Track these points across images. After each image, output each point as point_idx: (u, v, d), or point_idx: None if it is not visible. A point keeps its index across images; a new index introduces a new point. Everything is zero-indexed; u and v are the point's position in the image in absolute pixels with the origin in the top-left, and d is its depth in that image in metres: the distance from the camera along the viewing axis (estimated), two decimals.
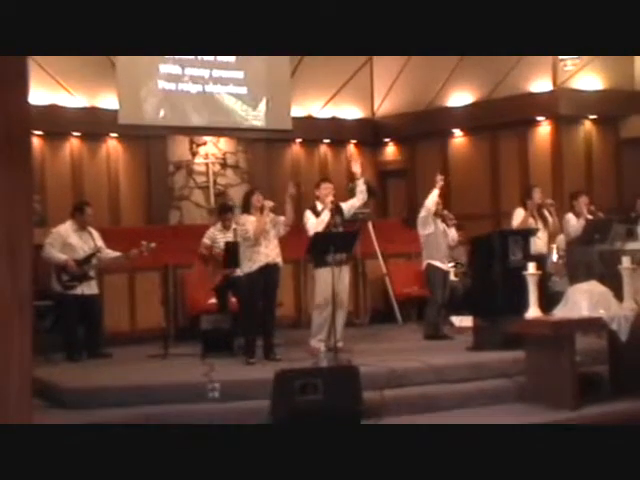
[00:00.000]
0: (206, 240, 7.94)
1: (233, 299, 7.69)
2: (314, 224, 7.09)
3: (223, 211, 8.16)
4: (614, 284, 6.39)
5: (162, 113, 11.17)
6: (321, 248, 6.91)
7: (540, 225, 8.14)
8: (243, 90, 11.81)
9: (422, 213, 7.76)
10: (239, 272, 7.33)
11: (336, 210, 7.23)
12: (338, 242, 7.02)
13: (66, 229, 7.57)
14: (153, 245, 7.44)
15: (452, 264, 8.70)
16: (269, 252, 6.88)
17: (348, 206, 7.38)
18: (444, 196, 7.96)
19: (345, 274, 7.13)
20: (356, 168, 7.42)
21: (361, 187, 7.35)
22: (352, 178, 7.61)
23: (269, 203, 6.93)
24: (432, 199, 7.67)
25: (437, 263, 7.77)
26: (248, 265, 6.87)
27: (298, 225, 7.27)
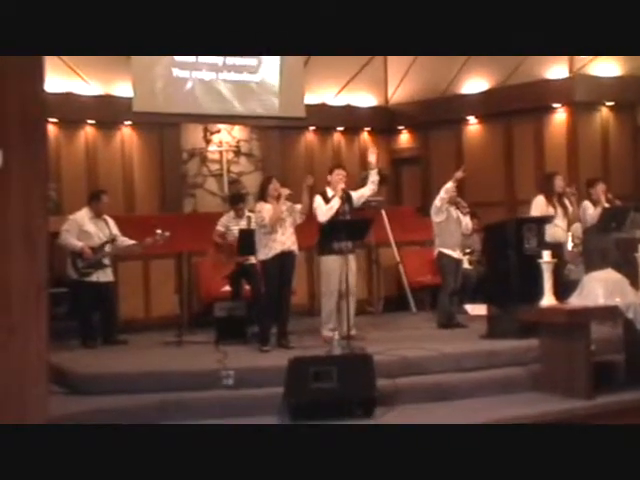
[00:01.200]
0: (220, 227, 7.95)
1: (247, 286, 7.71)
2: (324, 210, 7.08)
3: (235, 201, 8.17)
4: (630, 272, 6.35)
5: (189, 85, 11.12)
6: (333, 236, 6.91)
7: (560, 213, 8.07)
8: (257, 77, 11.80)
9: (437, 202, 7.73)
10: (253, 260, 7.35)
11: (346, 198, 7.21)
12: (351, 230, 7.01)
13: (82, 216, 7.61)
14: (168, 234, 7.46)
15: (468, 251, 8.67)
16: (285, 240, 6.89)
17: (358, 195, 7.35)
18: (459, 184, 7.93)
19: (352, 262, 7.10)
20: (372, 158, 7.38)
21: (373, 177, 7.32)
22: (366, 167, 7.58)
23: (286, 191, 6.93)
24: (448, 189, 7.64)
25: (449, 251, 7.74)
26: (264, 252, 6.89)
27: (314, 209, 7.27)
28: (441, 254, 7.78)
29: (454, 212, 7.81)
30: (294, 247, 6.97)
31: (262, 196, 7.01)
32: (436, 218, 7.78)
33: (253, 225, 7.37)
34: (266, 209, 6.87)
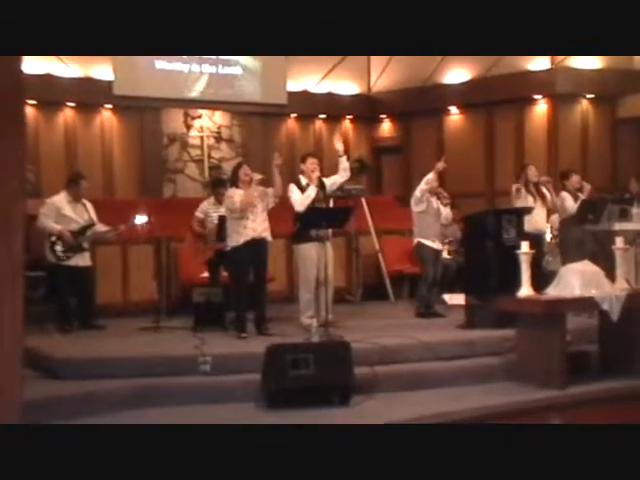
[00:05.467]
0: (199, 214, 7.92)
1: (225, 273, 7.69)
2: (300, 199, 7.04)
3: (216, 185, 8.13)
4: (606, 264, 6.42)
5: (170, 70, 11.10)
6: (314, 223, 6.90)
7: (538, 202, 8.16)
8: (239, 64, 11.72)
9: (417, 192, 7.74)
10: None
11: (319, 185, 7.20)
12: (332, 218, 7.00)
13: (60, 200, 7.54)
14: (146, 220, 7.42)
15: (447, 240, 8.72)
16: (256, 226, 6.86)
17: (330, 182, 7.31)
18: (440, 174, 7.95)
19: (329, 249, 7.08)
20: (338, 145, 7.35)
21: (344, 164, 7.30)
22: (349, 155, 7.55)
23: (257, 175, 6.90)
24: (429, 180, 7.65)
25: (428, 242, 7.76)
26: (235, 239, 6.85)
27: (289, 198, 7.24)
28: (420, 244, 7.80)
29: (434, 202, 7.83)
30: (266, 234, 6.93)
31: (234, 182, 6.98)
32: (416, 208, 7.79)
33: None
34: (237, 194, 6.85)
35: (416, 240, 7.84)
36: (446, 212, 7.96)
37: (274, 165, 6.91)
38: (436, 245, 7.85)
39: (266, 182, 6.98)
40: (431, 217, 7.78)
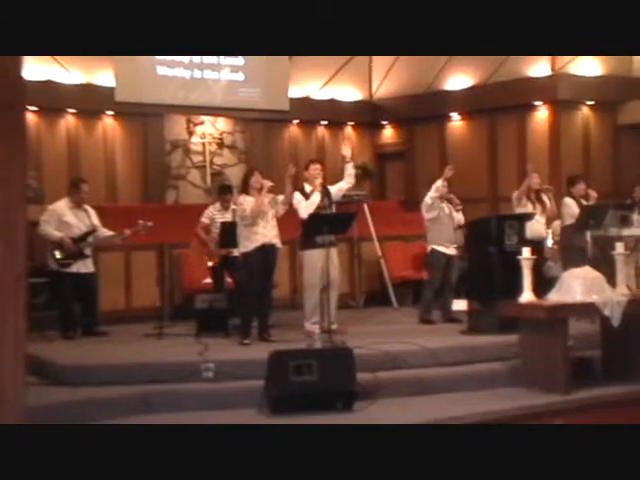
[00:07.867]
0: (204, 219, 7.93)
1: (229, 279, 7.69)
2: (305, 206, 7.07)
3: (222, 191, 8.14)
4: (608, 270, 6.42)
5: (172, 76, 11.13)
6: (316, 230, 6.91)
7: (538, 209, 8.17)
8: (241, 70, 11.75)
9: (427, 199, 7.75)
10: (235, 252, 7.33)
11: (325, 192, 7.21)
12: (334, 224, 7.02)
13: (62, 207, 7.55)
14: (150, 224, 7.43)
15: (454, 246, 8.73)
16: (267, 232, 6.88)
17: (336, 189, 7.33)
18: (447, 181, 7.95)
19: (334, 255, 7.10)
20: (346, 152, 7.36)
21: (350, 170, 7.31)
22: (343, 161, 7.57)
23: (268, 183, 6.92)
24: (438, 187, 7.66)
25: (441, 248, 7.75)
26: (245, 245, 6.87)
27: (294, 205, 7.26)
28: (433, 250, 7.80)
29: (446, 208, 7.83)
30: (276, 240, 6.96)
31: (244, 189, 7.01)
32: (427, 215, 7.79)
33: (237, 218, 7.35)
34: (248, 201, 6.87)
35: (430, 247, 7.84)
36: (459, 216, 7.95)
37: (287, 175, 6.94)
38: (449, 251, 7.84)
39: (275, 190, 7.01)
40: (443, 223, 7.78)
